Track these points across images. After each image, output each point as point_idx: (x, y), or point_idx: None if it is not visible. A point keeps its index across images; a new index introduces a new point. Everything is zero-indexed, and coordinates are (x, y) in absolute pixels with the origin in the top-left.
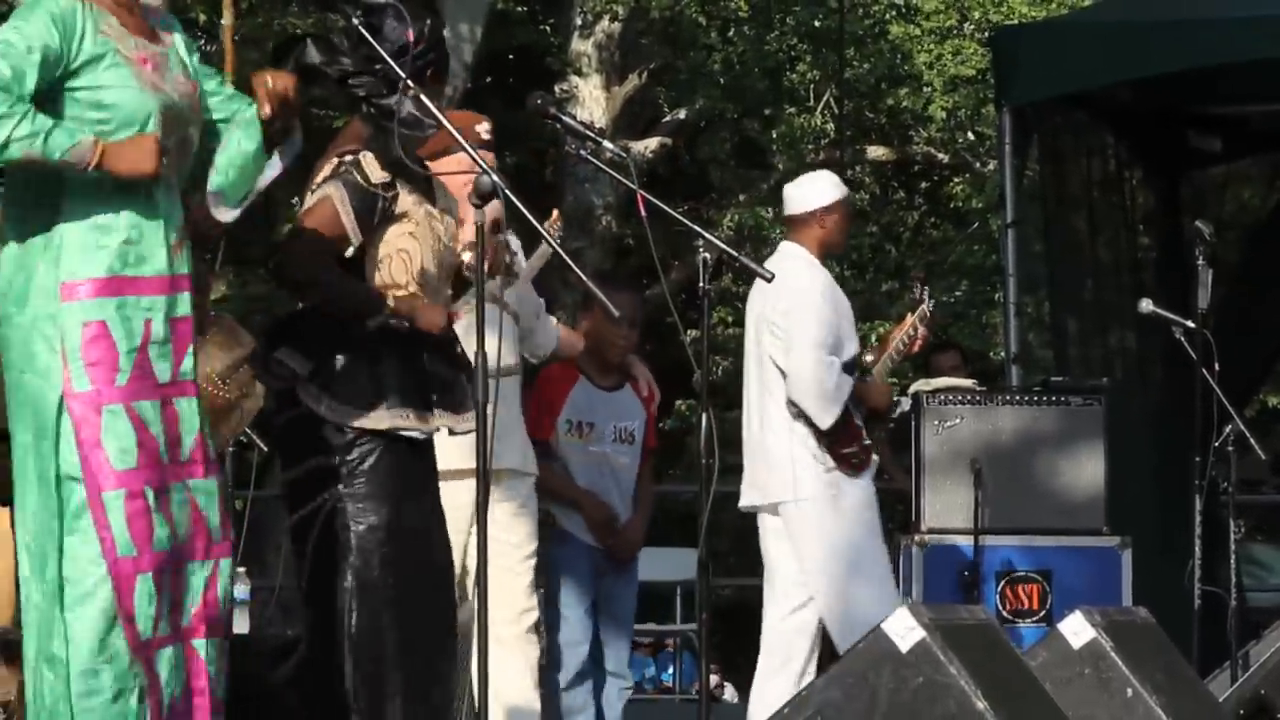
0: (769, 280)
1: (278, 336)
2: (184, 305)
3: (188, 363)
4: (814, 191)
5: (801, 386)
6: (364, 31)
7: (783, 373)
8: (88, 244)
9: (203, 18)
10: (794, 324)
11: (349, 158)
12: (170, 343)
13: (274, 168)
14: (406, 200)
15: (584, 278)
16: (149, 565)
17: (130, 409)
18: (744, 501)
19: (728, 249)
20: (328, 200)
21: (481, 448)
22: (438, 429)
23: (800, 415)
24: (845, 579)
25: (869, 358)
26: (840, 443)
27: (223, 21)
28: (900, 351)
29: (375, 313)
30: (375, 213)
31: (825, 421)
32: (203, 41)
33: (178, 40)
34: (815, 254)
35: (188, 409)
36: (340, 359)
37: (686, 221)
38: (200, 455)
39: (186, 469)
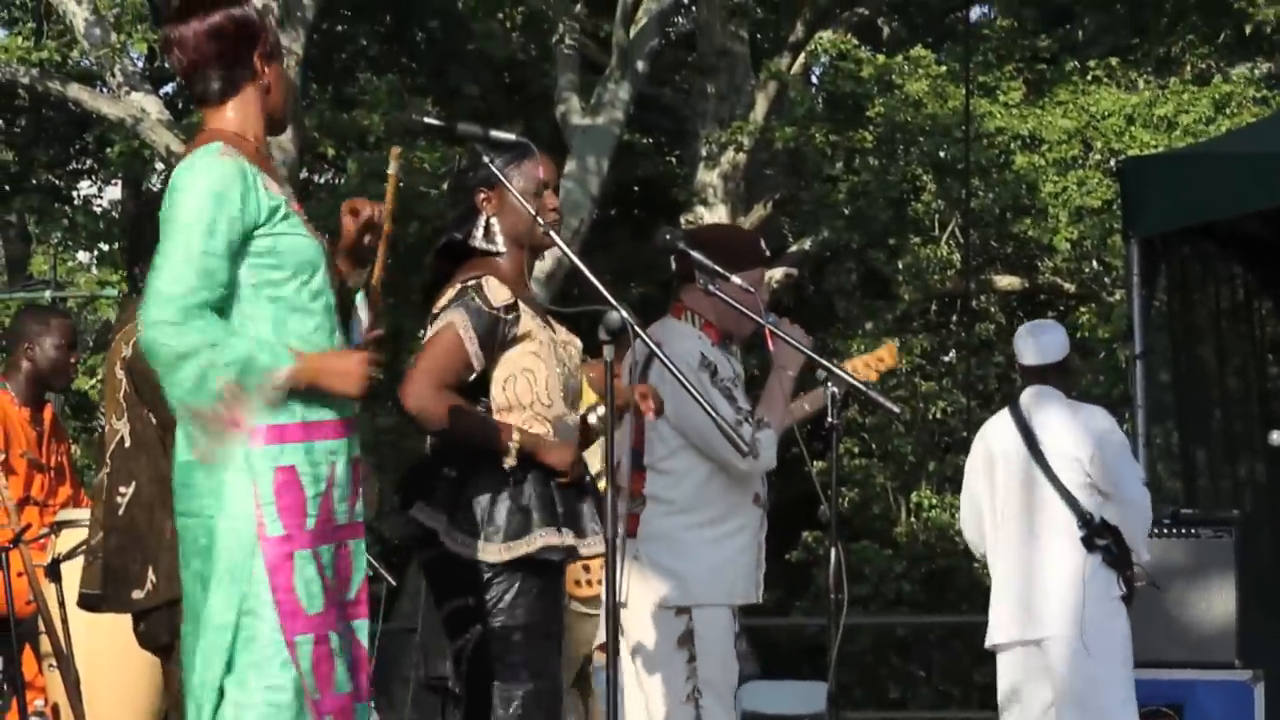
0: (897, 414)
1: (410, 492)
2: (358, 445)
3: (360, 504)
4: (1059, 341)
5: (1139, 522)
6: (495, 170)
7: (1076, 506)
8: None
9: (330, 151)
10: (1118, 462)
11: (471, 282)
12: (349, 485)
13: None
14: (529, 322)
15: (711, 412)
16: (330, 708)
17: (316, 554)
18: (1018, 636)
19: (857, 383)
20: (450, 327)
21: (611, 580)
22: (573, 548)
23: (1099, 548)
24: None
25: None
26: (1132, 575)
27: (389, 171)
28: None
29: (503, 450)
30: (497, 336)
31: (1145, 555)
32: (331, 174)
33: None
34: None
35: (356, 549)
36: (477, 501)
37: (814, 356)
38: (364, 595)
39: (353, 609)
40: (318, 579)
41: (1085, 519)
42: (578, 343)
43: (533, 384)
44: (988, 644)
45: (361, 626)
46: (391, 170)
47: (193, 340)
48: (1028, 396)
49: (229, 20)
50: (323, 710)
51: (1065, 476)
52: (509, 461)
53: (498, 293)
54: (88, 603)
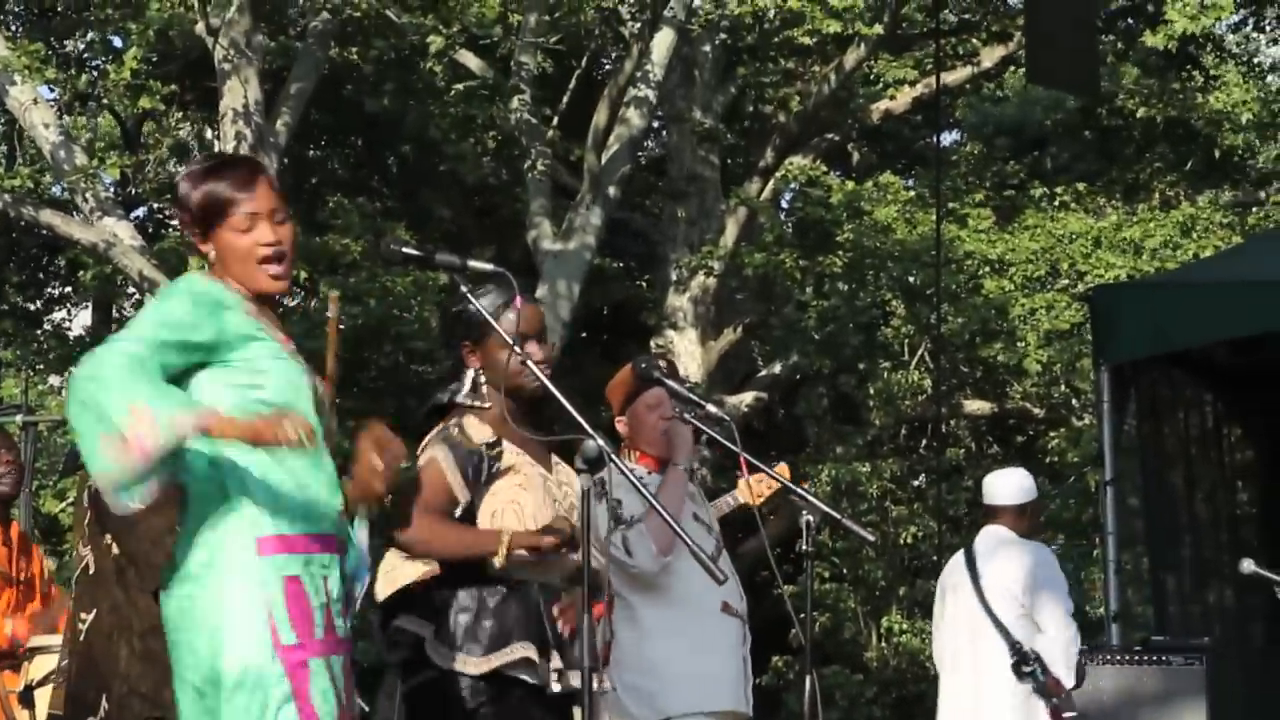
0: (872, 542)
1: (395, 607)
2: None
3: (341, 623)
4: (1016, 486)
5: (1057, 651)
6: (470, 296)
7: (1008, 637)
8: (273, 501)
9: (303, 275)
10: (1045, 595)
11: (453, 420)
12: (343, 602)
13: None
14: (514, 457)
15: (689, 542)
16: None
17: (327, 664)
18: None
19: (832, 512)
20: (433, 461)
21: (586, 707)
22: (557, 674)
23: (1027, 676)
24: None
25: None
26: (1059, 706)
27: (329, 314)
28: None
29: (492, 550)
30: (481, 471)
31: (1070, 683)
32: (303, 297)
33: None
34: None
35: (346, 665)
36: (462, 614)
37: (789, 484)
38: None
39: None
40: (330, 689)
41: (1015, 648)
42: (575, 483)
43: (520, 515)
44: None
45: None
46: (331, 314)
47: (115, 377)
48: (981, 535)
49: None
50: None
51: (999, 608)
52: (499, 561)
53: (478, 430)
54: None
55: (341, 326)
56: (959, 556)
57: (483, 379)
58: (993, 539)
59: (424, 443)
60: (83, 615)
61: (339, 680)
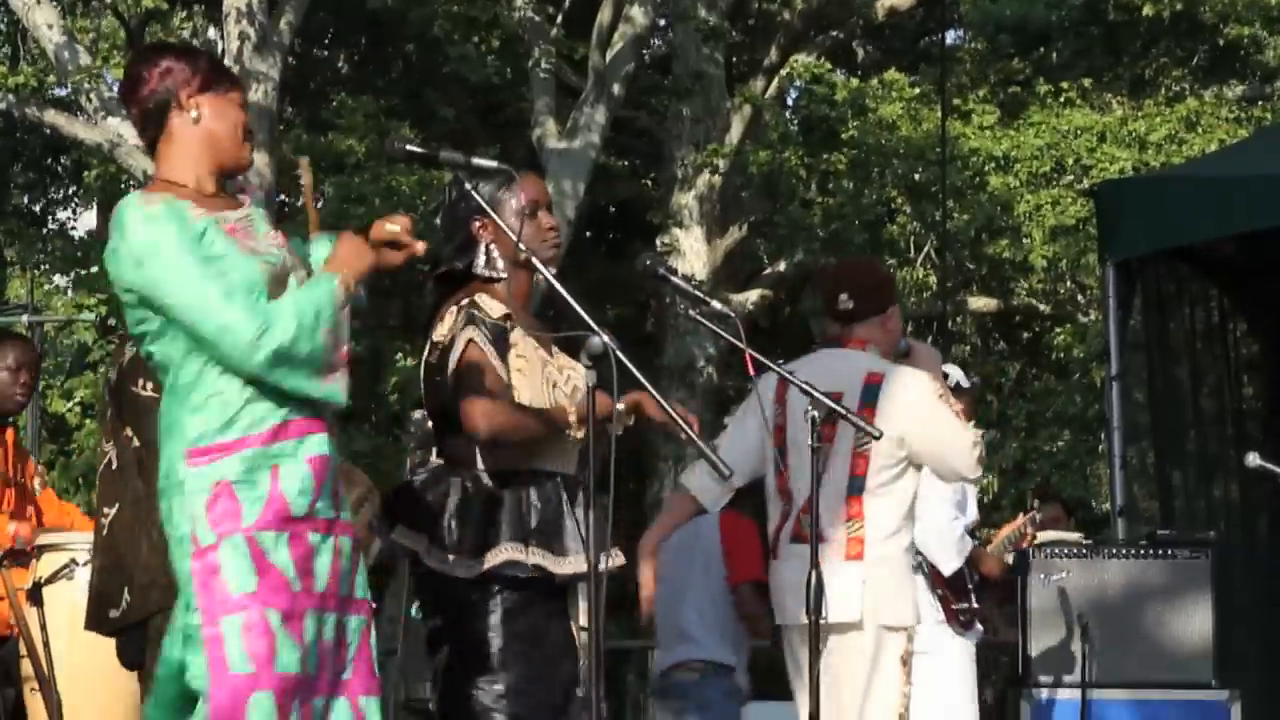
0: (877, 438)
1: (393, 514)
2: (325, 447)
3: (342, 504)
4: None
5: (935, 537)
6: (477, 195)
7: None
8: (210, 410)
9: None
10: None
11: (465, 301)
12: (311, 480)
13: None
14: (519, 337)
15: (695, 438)
16: (269, 684)
17: (251, 538)
18: None
19: (837, 407)
20: (474, 345)
21: (596, 607)
22: (541, 566)
23: (918, 567)
24: None
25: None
26: (953, 597)
27: (302, 182)
28: (1011, 542)
29: (568, 421)
30: (506, 344)
31: (948, 568)
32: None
33: (253, 201)
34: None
35: (324, 544)
36: (452, 519)
37: (794, 380)
38: (353, 592)
39: (327, 600)
40: (249, 561)
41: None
42: (578, 369)
43: (516, 397)
44: None
45: (351, 622)
46: (305, 181)
47: (279, 337)
48: None
49: (138, 71)
50: (259, 685)
51: None
52: (577, 434)
53: (493, 307)
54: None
55: (319, 201)
56: None
57: (495, 252)
58: None
59: (447, 321)
60: (105, 510)
61: (276, 554)
